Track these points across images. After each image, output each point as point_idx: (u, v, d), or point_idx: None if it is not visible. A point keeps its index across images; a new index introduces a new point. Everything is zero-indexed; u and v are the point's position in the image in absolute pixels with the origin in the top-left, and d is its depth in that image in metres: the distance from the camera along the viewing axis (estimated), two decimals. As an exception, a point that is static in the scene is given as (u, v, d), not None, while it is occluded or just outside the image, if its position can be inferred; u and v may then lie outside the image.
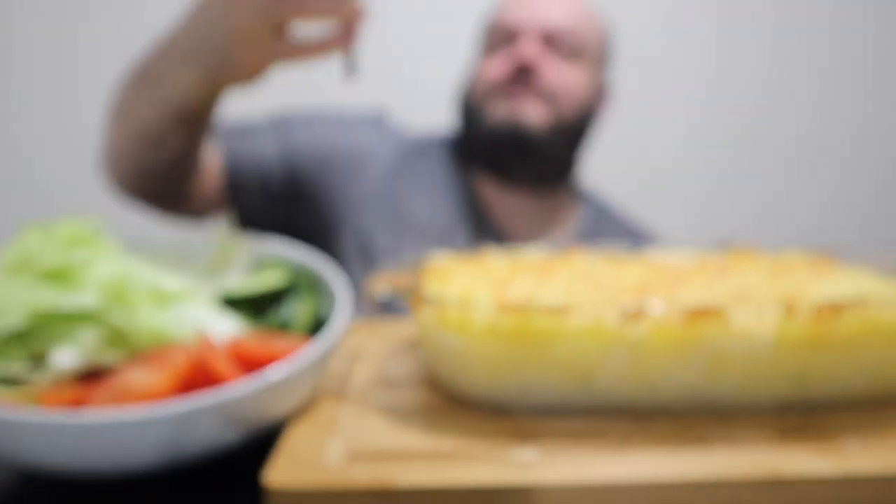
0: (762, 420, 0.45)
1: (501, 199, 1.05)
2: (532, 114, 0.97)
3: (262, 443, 0.45)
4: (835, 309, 0.43)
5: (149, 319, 0.45)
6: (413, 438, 0.43)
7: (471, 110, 1.02)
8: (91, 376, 0.44)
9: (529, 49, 0.96)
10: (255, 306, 0.53)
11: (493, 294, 0.50)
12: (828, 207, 1.86)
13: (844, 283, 0.53)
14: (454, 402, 0.49)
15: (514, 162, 1.00)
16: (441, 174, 1.07)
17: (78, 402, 0.41)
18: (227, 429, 0.41)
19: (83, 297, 0.43)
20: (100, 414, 0.38)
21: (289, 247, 0.60)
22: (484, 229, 1.05)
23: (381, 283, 0.52)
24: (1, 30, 1.63)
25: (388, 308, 1.00)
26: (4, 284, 0.43)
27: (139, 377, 0.42)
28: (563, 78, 0.99)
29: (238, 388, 0.40)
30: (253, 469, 0.42)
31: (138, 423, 0.38)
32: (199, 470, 0.44)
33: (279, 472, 0.39)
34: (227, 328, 0.49)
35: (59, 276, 0.45)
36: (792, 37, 1.76)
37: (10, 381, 0.42)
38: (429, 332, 0.48)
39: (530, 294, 0.50)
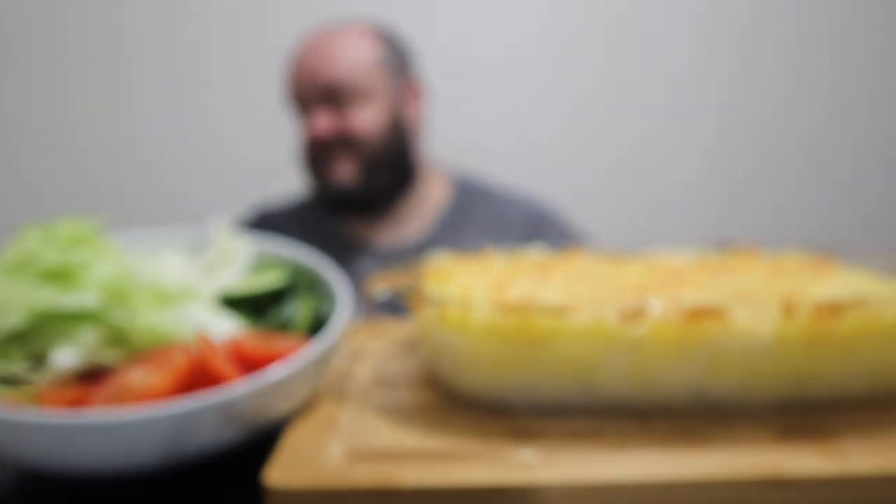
0: (762, 420, 0.45)
1: (354, 226, 1.19)
2: (341, 174, 1.10)
3: (262, 442, 0.45)
4: (834, 309, 0.44)
5: (149, 319, 0.45)
6: (413, 438, 0.43)
7: (306, 173, 1.16)
8: (91, 376, 0.44)
9: (317, 126, 1.07)
10: (255, 306, 0.53)
11: (493, 294, 0.50)
12: (828, 208, 1.86)
13: (844, 284, 0.53)
14: (454, 402, 0.49)
15: (350, 209, 1.16)
16: (293, 227, 1.22)
17: (78, 402, 0.41)
18: (228, 429, 0.41)
19: (83, 297, 0.43)
20: (100, 414, 0.38)
21: (289, 247, 0.60)
22: (346, 252, 1.18)
23: (382, 283, 0.52)
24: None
25: (388, 308, 1.01)
26: (5, 284, 0.43)
27: (139, 377, 0.42)
28: (357, 128, 1.08)
29: (238, 388, 0.40)
30: (253, 469, 0.42)
31: (139, 422, 0.38)
32: (199, 469, 0.44)
33: (279, 472, 0.39)
34: (227, 328, 0.49)
35: (59, 276, 0.45)
36: (797, 44, 1.76)
37: (11, 381, 0.42)
38: (429, 332, 0.48)
39: (530, 294, 0.50)
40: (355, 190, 1.12)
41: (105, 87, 1.67)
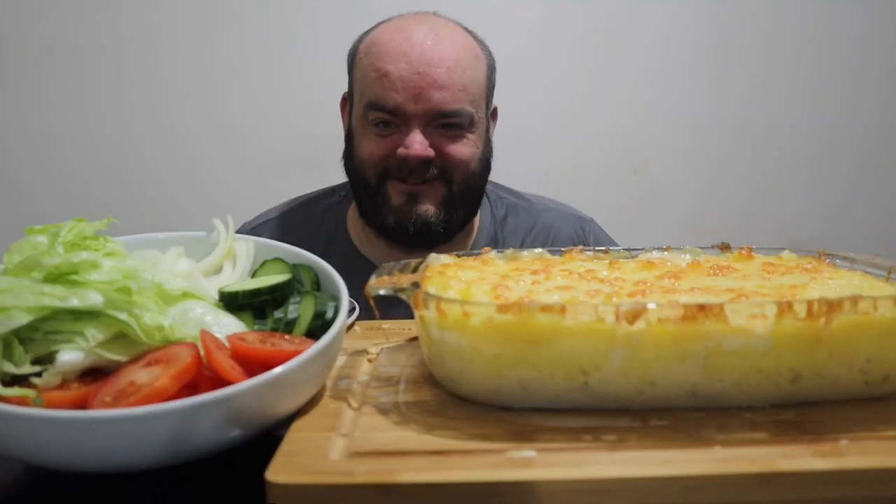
0: (758, 417, 0.46)
1: (388, 254, 1.03)
2: (429, 207, 0.97)
3: (265, 440, 0.45)
4: (828, 307, 0.44)
5: (154, 319, 0.45)
6: (413, 436, 0.44)
7: (364, 185, 1.00)
8: (96, 374, 0.45)
9: (420, 145, 0.93)
10: (258, 306, 0.54)
11: (493, 293, 0.51)
12: (824, 209, 1.87)
13: (837, 283, 0.53)
14: (454, 400, 0.50)
15: (413, 240, 1.00)
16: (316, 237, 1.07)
17: (84, 400, 0.42)
18: (230, 426, 0.42)
19: (89, 297, 0.44)
20: (105, 411, 0.39)
21: (289, 248, 0.60)
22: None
23: (383, 283, 0.53)
24: None
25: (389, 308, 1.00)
26: (11, 284, 0.44)
27: (144, 376, 0.42)
28: (456, 157, 0.96)
29: (241, 387, 0.41)
30: (257, 466, 0.43)
31: (143, 419, 0.38)
32: (203, 466, 0.44)
33: (282, 469, 0.39)
34: (230, 328, 0.49)
35: (64, 276, 0.45)
36: (783, 50, 1.78)
37: (18, 380, 0.43)
38: (429, 331, 0.49)
39: (529, 293, 0.51)
40: (437, 218, 0.97)
41: (104, 88, 1.67)
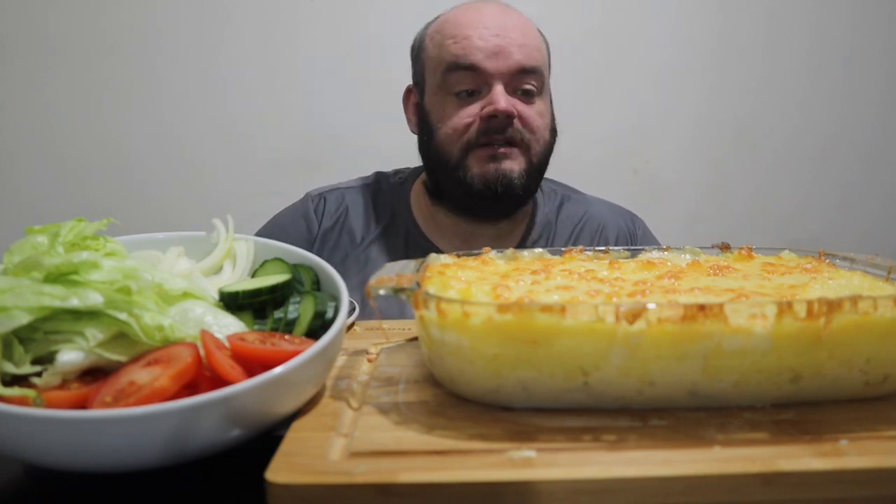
0: (758, 417, 0.46)
1: (453, 227, 1.06)
2: (513, 167, 0.97)
3: (265, 440, 0.45)
4: (828, 307, 0.44)
5: (154, 319, 0.45)
6: (413, 437, 0.44)
7: (445, 161, 1.00)
8: (96, 374, 0.45)
9: (505, 100, 0.94)
10: (256, 306, 0.54)
11: (493, 293, 0.51)
12: (824, 209, 1.87)
13: (837, 283, 0.53)
14: (454, 400, 0.50)
15: (492, 209, 1.02)
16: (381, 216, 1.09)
17: (84, 400, 0.42)
18: (231, 426, 0.42)
19: (89, 297, 0.44)
20: (106, 410, 0.39)
21: (289, 247, 0.60)
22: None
23: (383, 283, 0.53)
24: None
25: (390, 308, 1.01)
26: (11, 284, 0.44)
27: (144, 376, 0.42)
28: (534, 122, 0.98)
29: (241, 387, 0.41)
30: (257, 466, 0.43)
31: (143, 419, 0.38)
32: (203, 466, 0.44)
33: (282, 469, 0.39)
34: (230, 328, 0.49)
35: (64, 276, 0.45)
36: (783, 50, 1.78)
37: (18, 380, 0.43)
38: (429, 331, 0.49)
39: (529, 293, 0.51)
40: (520, 184, 0.97)
41: (104, 90, 1.67)
